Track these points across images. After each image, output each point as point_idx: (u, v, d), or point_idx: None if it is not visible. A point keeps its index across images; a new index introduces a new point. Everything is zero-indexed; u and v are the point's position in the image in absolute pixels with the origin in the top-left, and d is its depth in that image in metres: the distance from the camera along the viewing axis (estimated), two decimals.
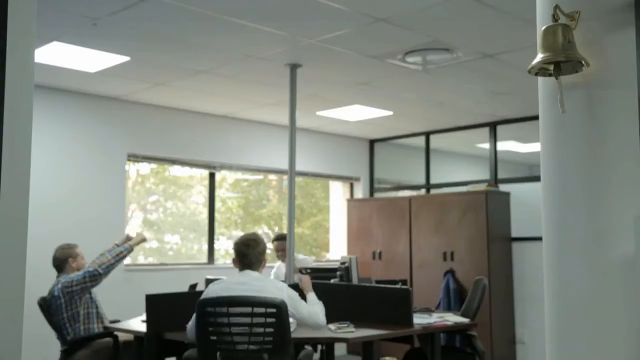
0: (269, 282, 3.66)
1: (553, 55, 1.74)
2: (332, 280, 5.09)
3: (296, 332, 3.79)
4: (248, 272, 3.63)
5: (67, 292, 4.62)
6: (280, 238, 6.11)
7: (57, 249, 4.90)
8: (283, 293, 3.53)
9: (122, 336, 4.68)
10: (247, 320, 3.38)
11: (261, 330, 3.38)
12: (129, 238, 4.91)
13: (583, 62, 1.74)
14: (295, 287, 4.75)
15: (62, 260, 4.81)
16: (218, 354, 3.43)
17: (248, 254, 3.65)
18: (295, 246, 5.65)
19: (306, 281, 4.17)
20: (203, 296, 3.60)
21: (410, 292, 4.44)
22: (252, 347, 3.39)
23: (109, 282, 4.99)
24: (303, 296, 3.99)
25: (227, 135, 7.19)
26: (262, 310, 3.37)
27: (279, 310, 3.36)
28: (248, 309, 3.39)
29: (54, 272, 5.36)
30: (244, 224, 7.86)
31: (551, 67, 1.81)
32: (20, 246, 1.62)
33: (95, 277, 4.60)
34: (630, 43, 1.69)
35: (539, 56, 1.78)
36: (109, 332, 4.64)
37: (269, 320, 3.37)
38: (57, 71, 5.34)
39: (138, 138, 6.50)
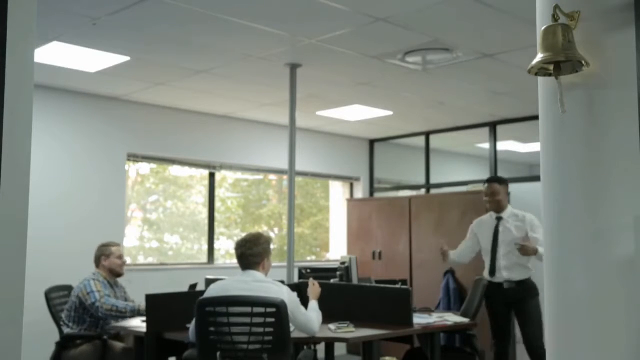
0: (270, 282, 3.64)
1: (553, 55, 1.74)
2: (332, 280, 5.09)
3: (296, 332, 3.79)
4: (249, 272, 3.62)
5: (82, 298, 4.68)
6: (491, 180, 5.21)
7: (98, 246, 5.03)
8: (283, 295, 3.50)
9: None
10: (247, 320, 3.38)
11: (261, 330, 3.38)
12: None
13: (583, 62, 1.74)
14: (295, 287, 4.75)
15: (97, 258, 4.93)
16: (218, 354, 3.43)
17: (241, 254, 3.65)
18: (295, 246, 5.64)
19: (316, 289, 4.09)
20: (204, 296, 3.60)
21: (410, 292, 4.44)
22: (251, 347, 3.38)
23: None
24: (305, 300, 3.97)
25: (227, 135, 7.19)
26: (261, 310, 3.37)
27: (279, 310, 3.35)
28: (248, 309, 3.39)
29: (54, 272, 5.40)
30: (244, 224, 7.86)
31: (551, 67, 1.80)
32: (20, 246, 1.62)
33: (96, 311, 4.63)
34: (630, 43, 1.69)
35: (539, 56, 1.78)
36: (98, 335, 4.65)
37: (269, 320, 3.36)
38: (57, 71, 5.34)
39: (138, 138, 6.50)
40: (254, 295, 3.44)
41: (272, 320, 3.36)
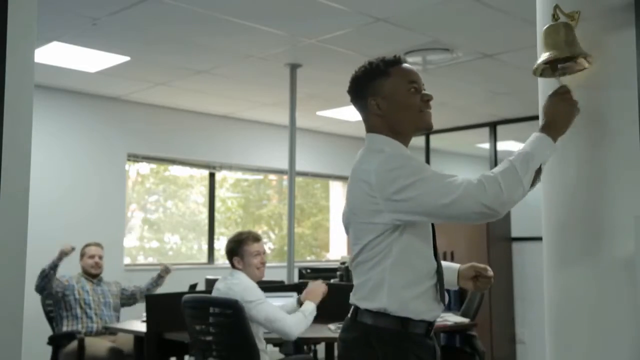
0: (226, 281, 3.52)
1: (558, 52, 1.74)
2: (332, 280, 5.08)
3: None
4: (232, 270, 3.57)
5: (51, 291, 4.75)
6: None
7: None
8: (235, 294, 3.34)
9: (123, 345, 4.65)
10: (210, 320, 3.39)
11: (218, 330, 3.37)
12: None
13: (587, 59, 1.74)
14: (295, 287, 4.74)
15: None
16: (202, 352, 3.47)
17: None
18: (295, 246, 5.65)
19: (314, 291, 3.59)
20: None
21: None
22: (216, 346, 3.40)
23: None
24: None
25: (227, 135, 7.19)
26: (217, 310, 3.37)
27: (233, 310, 3.28)
28: (212, 309, 3.39)
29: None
30: (244, 224, 7.86)
31: (553, 68, 1.80)
32: (21, 246, 1.62)
33: (43, 276, 4.69)
34: (630, 43, 1.69)
35: (544, 55, 1.77)
36: (74, 333, 4.63)
37: (223, 320, 3.34)
38: (57, 71, 5.34)
39: (138, 138, 6.50)
40: (209, 296, 3.48)
41: (227, 320, 3.32)
